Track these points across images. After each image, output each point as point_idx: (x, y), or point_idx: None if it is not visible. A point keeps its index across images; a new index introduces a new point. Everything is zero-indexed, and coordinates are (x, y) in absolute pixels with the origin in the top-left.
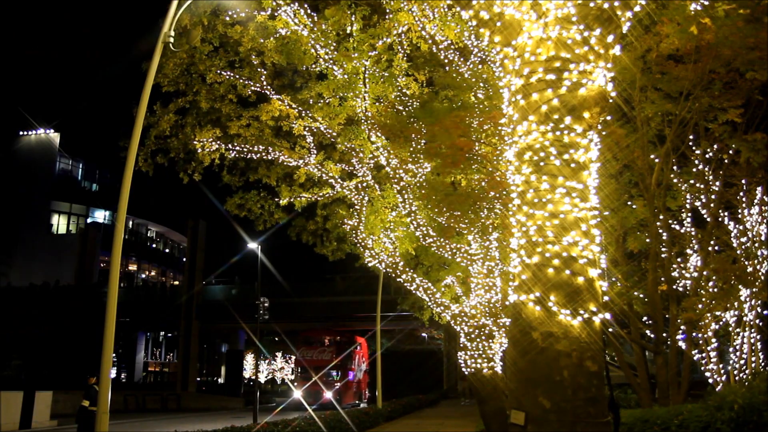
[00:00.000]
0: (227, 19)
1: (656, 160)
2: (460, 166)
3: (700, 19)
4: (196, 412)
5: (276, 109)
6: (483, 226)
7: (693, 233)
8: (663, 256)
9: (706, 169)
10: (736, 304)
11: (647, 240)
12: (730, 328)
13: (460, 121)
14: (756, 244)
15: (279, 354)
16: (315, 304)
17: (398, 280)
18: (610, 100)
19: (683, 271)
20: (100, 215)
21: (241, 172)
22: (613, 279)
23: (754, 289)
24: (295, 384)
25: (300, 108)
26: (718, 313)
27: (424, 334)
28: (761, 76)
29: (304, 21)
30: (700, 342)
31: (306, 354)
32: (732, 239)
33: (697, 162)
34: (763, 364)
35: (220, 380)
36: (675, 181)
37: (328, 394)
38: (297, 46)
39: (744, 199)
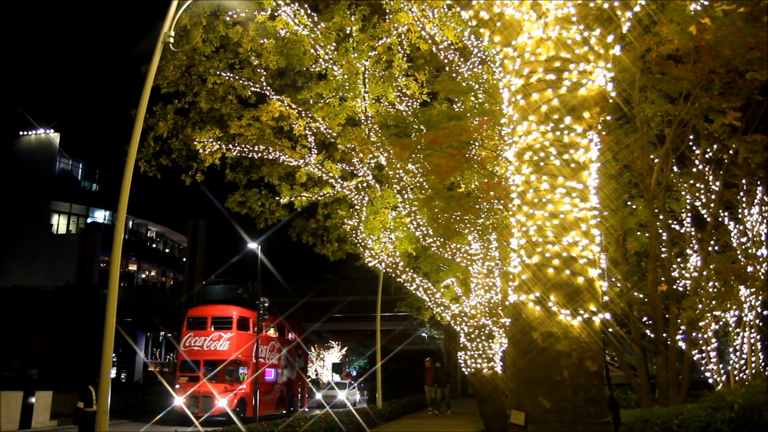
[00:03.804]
0: (227, 19)
1: (656, 161)
2: (454, 174)
3: (700, 19)
4: None
5: (276, 110)
6: (483, 226)
7: (693, 233)
8: (663, 256)
9: (706, 169)
10: (736, 304)
11: (647, 237)
12: (730, 328)
13: (452, 132)
14: (756, 245)
15: None
16: (315, 303)
17: (398, 280)
18: (610, 100)
19: (683, 271)
20: (100, 215)
21: (245, 171)
22: (613, 279)
23: (754, 289)
24: (177, 386)
25: (300, 108)
26: (718, 313)
27: (424, 334)
28: (761, 76)
29: (304, 21)
30: (700, 342)
31: (193, 342)
32: (732, 239)
33: (697, 162)
34: (763, 364)
35: None
36: (675, 181)
37: (223, 402)
38: (297, 46)
39: (744, 199)
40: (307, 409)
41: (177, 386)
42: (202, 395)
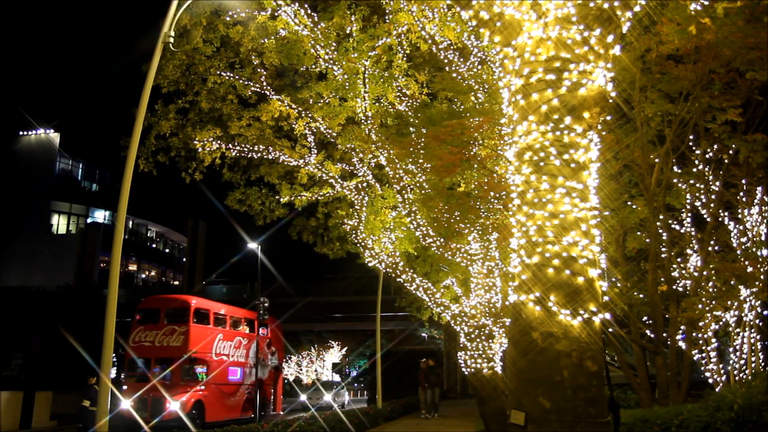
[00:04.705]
0: (228, 19)
1: (656, 160)
2: (455, 172)
3: (700, 19)
4: None
5: (276, 110)
6: (483, 226)
7: (693, 233)
8: (663, 256)
9: (706, 169)
10: (736, 304)
11: (647, 240)
12: (730, 328)
13: (453, 130)
14: (756, 245)
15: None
16: (315, 303)
17: (398, 280)
18: (610, 100)
19: (683, 271)
20: (100, 215)
21: (243, 171)
22: (613, 279)
23: (754, 289)
24: (124, 388)
25: (300, 108)
26: (718, 313)
27: (424, 334)
28: (761, 76)
29: (304, 21)
30: (700, 342)
31: (143, 337)
32: (732, 239)
33: (697, 162)
34: (763, 364)
35: None
36: (675, 181)
37: (175, 405)
38: (297, 46)
39: (744, 199)
40: (281, 413)
41: (124, 387)
42: (152, 398)
